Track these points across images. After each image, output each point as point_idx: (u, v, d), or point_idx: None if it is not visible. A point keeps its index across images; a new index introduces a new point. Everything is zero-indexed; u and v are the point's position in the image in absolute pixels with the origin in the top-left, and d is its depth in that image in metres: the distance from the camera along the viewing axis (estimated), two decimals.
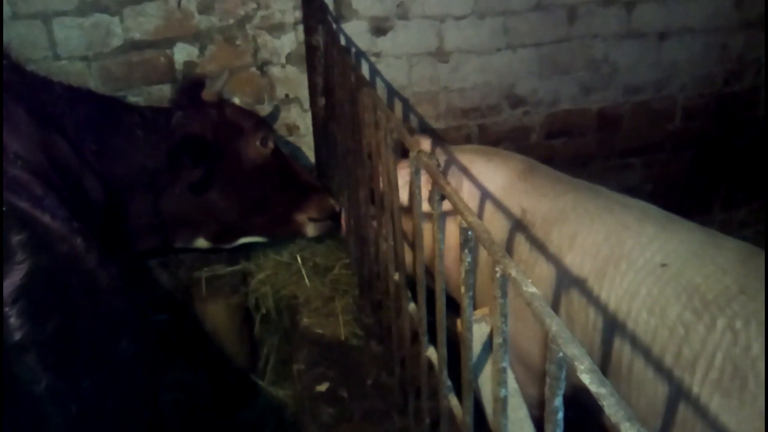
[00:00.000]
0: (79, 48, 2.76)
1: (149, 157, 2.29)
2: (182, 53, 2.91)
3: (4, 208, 1.14)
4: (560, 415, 0.77)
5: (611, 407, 0.63)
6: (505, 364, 0.96)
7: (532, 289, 0.80)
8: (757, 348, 1.37)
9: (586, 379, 0.67)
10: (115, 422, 1.34)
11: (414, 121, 3.30)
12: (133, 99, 2.92)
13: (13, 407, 1.05)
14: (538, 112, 3.42)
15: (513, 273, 0.85)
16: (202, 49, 2.93)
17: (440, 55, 3.19)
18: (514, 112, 3.41)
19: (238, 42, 2.95)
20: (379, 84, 3.17)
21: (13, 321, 1.09)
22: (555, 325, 0.74)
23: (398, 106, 3.24)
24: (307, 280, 2.64)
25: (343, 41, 2.99)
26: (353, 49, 3.06)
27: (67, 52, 2.75)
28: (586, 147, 3.54)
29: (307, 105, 3.14)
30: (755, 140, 3.62)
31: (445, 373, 1.37)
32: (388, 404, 2.05)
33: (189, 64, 2.93)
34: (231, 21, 2.89)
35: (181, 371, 2.76)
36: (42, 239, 1.30)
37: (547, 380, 0.76)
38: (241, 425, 2.65)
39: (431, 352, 1.50)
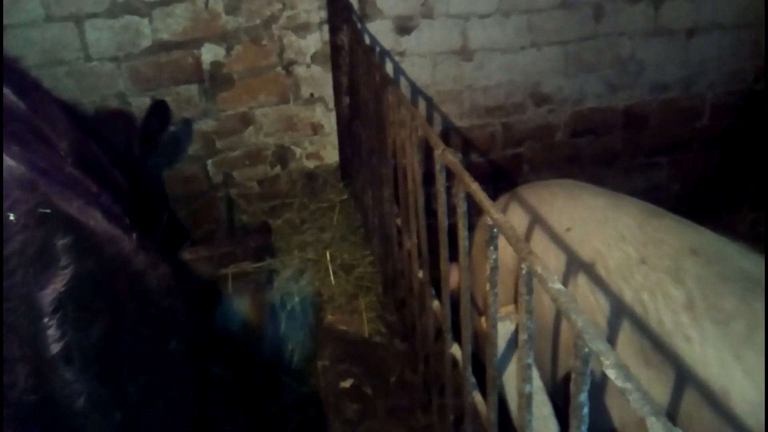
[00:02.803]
0: (109, 49, 2.82)
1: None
2: (209, 53, 2.96)
3: (48, 211, 1.07)
4: (585, 410, 0.78)
5: (637, 402, 0.63)
6: (530, 361, 0.96)
7: (558, 286, 0.81)
8: (670, 323, 1.47)
9: (612, 374, 0.67)
10: (163, 425, 1.30)
11: (438, 120, 3.31)
12: (162, 98, 2.99)
13: (47, 425, 1.00)
14: (564, 110, 3.40)
15: (539, 270, 0.85)
16: (228, 50, 2.97)
17: (464, 53, 3.19)
18: (539, 110, 3.40)
19: (264, 42, 2.99)
20: (403, 83, 3.18)
21: (51, 332, 1.02)
22: (581, 321, 0.74)
23: (422, 105, 3.25)
24: (332, 278, 2.66)
25: (367, 40, 3.00)
26: (377, 48, 3.07)
27: (98, 54, 2.81)
28: (612, 145, 3.51)
29: (331, 104, 3.16)
30: None
31: (469, 369, 1.38)
32: (412, 401, 2.06)
33: (216, 64, 2.98)
34: (257, 21, 2.93)
35: (209, 365, 2.80)
36: (88, 242, 1.23)
37: (573, 376, 0.77)
38: (266, 421, 2.68)
39: (455, 350, 1.51)
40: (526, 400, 0.99)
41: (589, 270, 1.71)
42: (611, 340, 1.58)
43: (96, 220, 1.33)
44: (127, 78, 2.91)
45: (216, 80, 3.01)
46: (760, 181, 3.60)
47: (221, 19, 2.89)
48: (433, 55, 3.17)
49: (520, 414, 1.01)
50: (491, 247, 1.04)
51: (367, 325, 2.43)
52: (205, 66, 2.98)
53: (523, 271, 0.89)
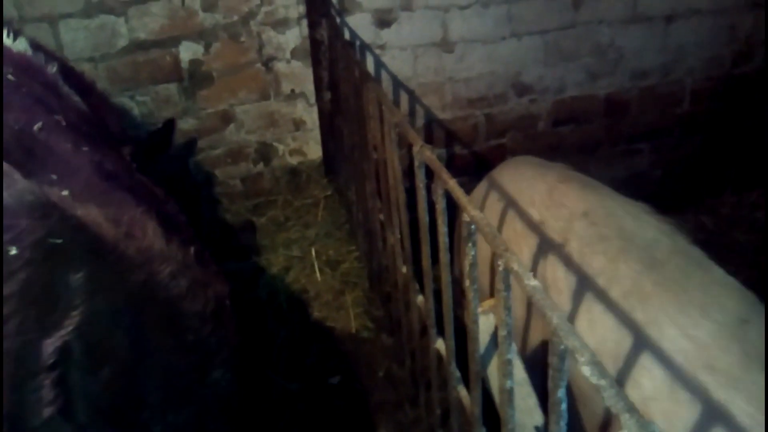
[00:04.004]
0: (85, 49, 2.78)
1: None
2: (188, 52, 2.93)
3: (59, 241, 0.87)
4: (564, 405, 0.78)
5: (611, 398, 0.64)
6: (510, 356, 0.97)
7: (534, 282, 0.81)
8: (550, 279, 1.56)
9: (586, 371, 0.68)
10: None
11: (420, 112, 3.30)
12: (141, 99, 2.96)
13: None
14: (545, 99, 3.41)
15: (515, 267, 0.86)
16: (207, 47, 2.94)
17: (445, 45, 3.18)
18: (521, 101, 3.40)
19: (242, 39, 2.96)
20: (385, 76, 3.17)
21: (45, 393, 0.85)
22: (556, 317, 0.75)
23: (404, 98, 3.24)
24: (318, 274, 2.66)
25: (347, 35, 2.99)
26: (357, 42, 3.06)
27: (74, 54, 2.77)
28: (594, 133, 3.53)
29: (313, 99, 3.15)
30: (765, 121, 3.58)
31: (453, 364, 1.38)
32: (400, 395, 2.07)
33: (194, 63, 2.95)
34: (235, 18, 2.90)
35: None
36: (113, 269, 1.04)
37: (550, 372, 0.77)
38: (255, 419, 2.67)
39: (440, 344, 1.52)
40: (508, 395, 0.99)
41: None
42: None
43: (146, 234, 1.17)
44: (105, 78, 2.87)
45: (195, 78, 2.98)
46: (741, 165, 3.64)
47: (198, 16, 2.86)
48: (413, 48, 3.16)
49: (502, 409, 1.02)
50: (469, 244, 1.04)
51: (354, 320, 2.43)
52: (184, 64, 2.95)
53: (500, 268, 0.90)
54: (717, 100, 3.58)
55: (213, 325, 1.23)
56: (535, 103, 3.41)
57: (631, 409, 0.61)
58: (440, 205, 1.19)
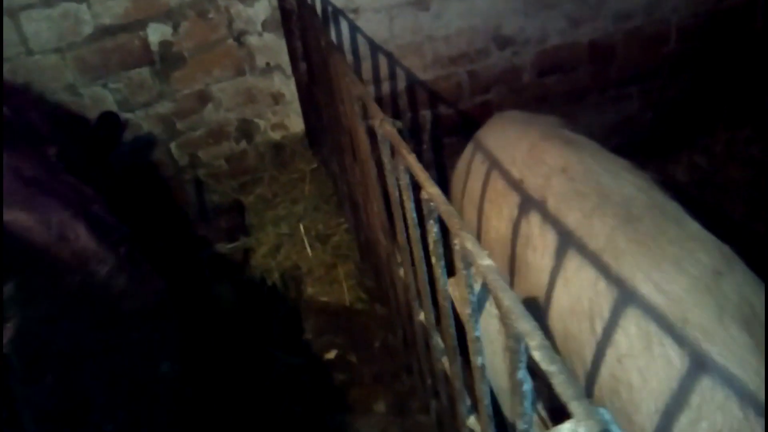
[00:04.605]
0: (50, 40, 2.71)
1: None
2: (156, 34, 2.85)
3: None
4: (526, 386, 0.77)
5: (560, 385, 0.62)
6: (477, 333, 0.95)
7: (487, 262, 0.79)
8: (524, 236, 1.57)
9: (536, 355, 0.66)
10: None
11: (401, 75, 3.23)
12: (114, 86, 2.90)
13: None
14: (528, 51, 3.32)
15: (469, 246, 0.83)
16: (175, 27, 2.86)
17: (420, 3, 3.08)
18: (503, 54, 3.31)
19: (210, 15, 2.88)
20: (361, 41, 3.09)
21: None
22: (507, 299, 0.72)
23: (383, 61, 3.16)
24: (309, 250, 2.65)
25: (318, 1, 2.90)
26: (330, 8, 2.97)
27: (39, 46, 2.71)
28: (580, 81, 3.44)
29: (289, 71, 3.08)
30: (754, 55, 3.49)
31: (435, 337, 1.37)
32: (396, 365, 2.08)
33: (164, 44, 2.88)
34: None
35: (198, 350, 2.81)
36: (47, 275, 1.03)
37: (508, 354, 0.75)
38: (260, 396, 2.70)
39: (422, 316, 1.50)
40: (480, 372, 0.98)
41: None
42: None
43: (79, 236, 1.16)
44: (74, 68, 2.81)
45: (167, 60, 2.91)
46: (733, 101, 3.56)
47: None
48: (388, 9, 3.06)
49: (477, 386, 1.00)
50: (431, 221, 1.01)
51: (347, 293, 2.43)
52: (154, 47, 2.87)
53: (456, 247, 0.87)
54: (704, 37, 3.48)
55: (155, 320, 1.24)
56: (517, 56, 3.32)
57: (580, 396, 0.59)
58: (403, 180, 1.16)
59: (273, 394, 2.71)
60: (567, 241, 1.46)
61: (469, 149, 2.32)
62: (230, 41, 2.95)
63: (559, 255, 1.45)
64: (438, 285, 1.10)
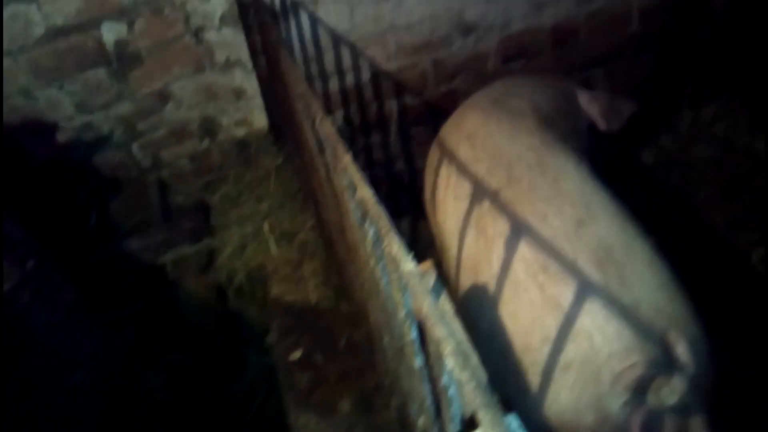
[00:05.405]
0: None
1: None
2: (111, 33, 2.79)
3: None
4: (451, 391, 0.75)
5: (470, 393, 0.60)
6: (413, 336, 0.93)
7: (410, 267, 0.77)
8: (481, 209, 1.62)
9: (450, 362, 0.64)
10: None
11: (365, 66, 3.19)
12: (70, 88, 2.84)
13: None
14: (491, 37, 3.29)
15: (394, 250, 0.81)
16: (130, 25, 2.80)
17: None
18: (467, 41, 3.29)
19: (166, 12, 2.82)
20: (323, 33, 3.05)
21: None
22: (427, 305, 0.71)
23: (345, 53, 3.12)
24: (274, 248, 2.62)
25: None
26: (289, 0, 2.92)
27: None
28: (545, 65, 3.43)
29: (250, 66, 3.03)
30: (716, 32, 3.50)
31: (387, 337, 1.36)
32: (361, 362, 2.07)
33: (120, 44, 2.81)
34: None
35: (167, 353, 2.78)
36: None
37: (432, 359, 0.74)
38: (232, 397, 2.68)
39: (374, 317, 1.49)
40: (419, 374, 0.97)
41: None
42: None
43: None
44: (27, 72, 2.74)
45: (123, 60, 2.85)
46: (697, 79, 3.57)
47: None
48: None
49: (416, 388, 0.99)
50: (365, 225, 0.99)
51: (313, 292, 2.41)
52: (109, 47, 2.81)
53: (385, 251, 0.85)
54: (666, 15, 3.48)
55: (64, 331, 1.26)
56: (481, 42, 3.30)
57: (488, 404, 0.58)
58: (341, 183, 1.14)
59: (245, 395, 2.70)
60: (461, 207, 1.56)
61: (434, 149, 2.35)
62: (188, 38, 2.90)
63: (455, 221, 1.59)
64: (382, 285, 1.08)
